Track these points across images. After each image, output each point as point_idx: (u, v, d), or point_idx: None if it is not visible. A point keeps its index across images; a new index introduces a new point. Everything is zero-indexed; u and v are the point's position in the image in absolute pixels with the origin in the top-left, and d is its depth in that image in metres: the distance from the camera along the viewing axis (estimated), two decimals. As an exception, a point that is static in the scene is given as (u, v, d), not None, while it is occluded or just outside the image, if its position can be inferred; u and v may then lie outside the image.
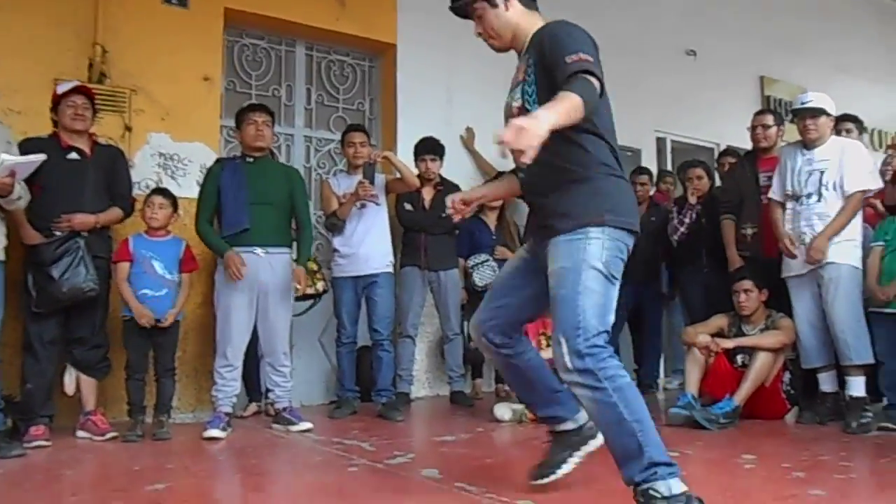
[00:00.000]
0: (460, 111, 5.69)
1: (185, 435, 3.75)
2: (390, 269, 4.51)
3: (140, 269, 3.79)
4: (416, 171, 4.79)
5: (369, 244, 4.40)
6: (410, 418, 4.30)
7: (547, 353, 4.12)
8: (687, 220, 4.93)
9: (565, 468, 2.40)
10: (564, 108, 1.85)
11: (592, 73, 1.98)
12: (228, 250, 3.80)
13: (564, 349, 2.00)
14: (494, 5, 2.27)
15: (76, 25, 4.30)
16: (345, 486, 2.61)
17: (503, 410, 4.05)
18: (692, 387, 3.99)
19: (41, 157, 3.37)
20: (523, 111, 2.18)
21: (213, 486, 2.85)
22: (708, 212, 4.86)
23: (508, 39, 2.31)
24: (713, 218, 4.73)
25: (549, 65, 2.10)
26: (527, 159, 1.75)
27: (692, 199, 4.94)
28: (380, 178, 4.47)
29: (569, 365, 2.00)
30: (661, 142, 7.02)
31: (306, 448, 3.48)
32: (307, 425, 3.85)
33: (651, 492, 1.96)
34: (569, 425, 2.44)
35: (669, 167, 6.79)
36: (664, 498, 1.96)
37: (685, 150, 6.94)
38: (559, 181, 2.19)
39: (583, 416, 2.41)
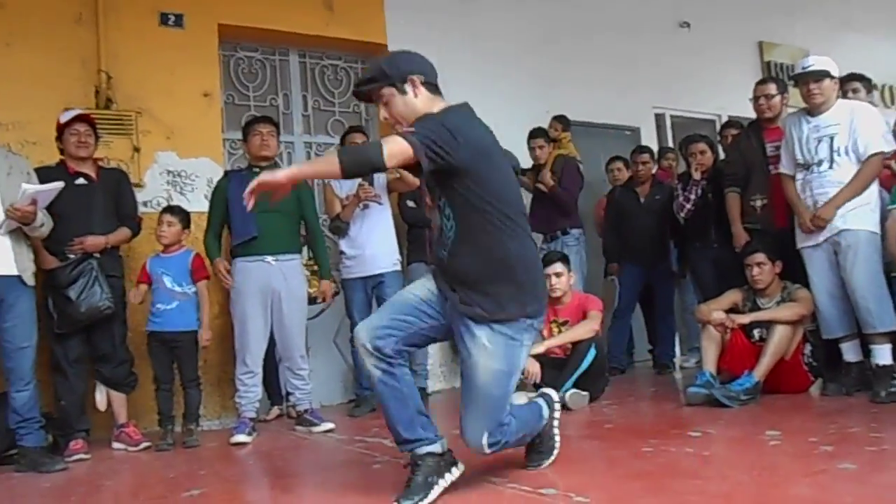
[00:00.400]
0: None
1: (213, 441, 3.88)
2: (398, 268, 4.55)
3: (155, 285, 3.94)
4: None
5: (375, 244, 4.44)
6: (428, 412, 4.33)
7: (554, 341, 4.19)
8: (692, 197, 4.91)
9: (432, 496, 2.27)
10: (313, 166, 2.28)
11: (408, 141, 2.15)
12: (215, 258, 3.99)
13: (485, 440, 2.24)
14: (403, 92, 2.31)
15: (82, 55, 4.45)
16: (370, 483, 2.67)
17: (519, 398, 4.04)
18: (710, 365, 3.92)
19: (60, 185, 3.46)
20: (437, 208, 2.38)
21: (244, 489, 2.92)
22: (713, 186, 4.81)
23: (404, 121, 2.33)
24: (719, 192, 4.66)
25: (447, 171, 2.25)
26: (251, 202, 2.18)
27: (696, 175, 4.91)
28: (381, 178, 4.50)
29: (486, 450, 2.26)
30: (660, 118, 7.00)
31: (330, 448, 3.54)
32: (329, 426, 3.93)
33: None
34: (435, 448, 2.36)
35: (671, 143, 6.78)
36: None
37: (686, 125, 6.89)
38: (482, 262, 2.29)
39: (445, 443, 2.39)
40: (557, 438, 2.67)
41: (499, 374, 2.26)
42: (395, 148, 2.13)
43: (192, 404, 3.96)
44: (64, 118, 3.76)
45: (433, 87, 2.37)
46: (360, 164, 2.18)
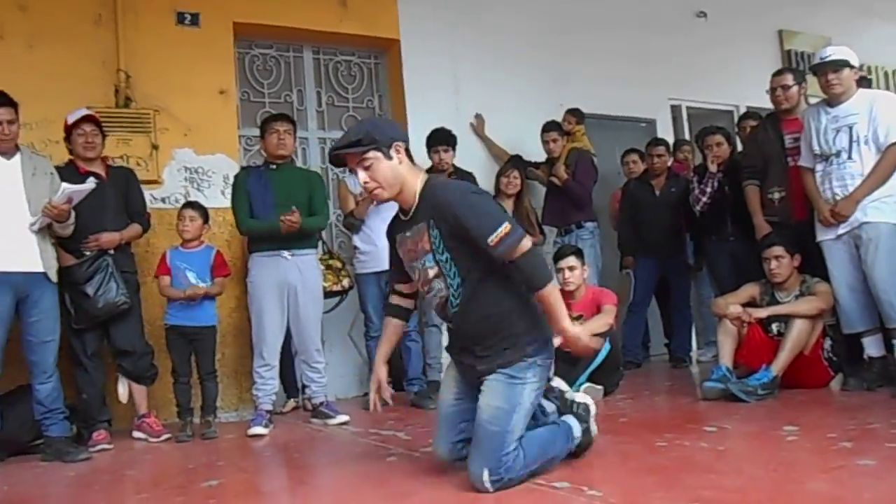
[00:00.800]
0: (468, 99, 5.73)
1: (231, 433, 3.93)
2: None
3: (177, 280, 3.97)
4: (429, 164, 4.85)
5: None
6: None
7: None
8: (709, 189, 4.87)
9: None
10: (563, 307, 2.31)
11: (521, 239, 2.24)
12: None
13: (485, 476, 2.22)
14: (389, 157, 2.30)
15: (101, 55, 4.52)
16: (385, 474, 2.68)
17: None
18: (726, 359, 3.88)
19: (92, 185, 3.52)
20: (442, 277, 2.35)
21: (261, 480, 2.95)
22: (730, 179, 4.77)
23: (397, 192, 2.35)
24: (736, 185, 4.63)
25: (465, 238, 2.27)
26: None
27: (712, 168, 4.86)
28: None
29: (489, 488, 2.22)
30: (675, 110, 6.94)
31: (345, 440, 3.57)
32: (344, 418, 3.96)
33: None
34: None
35: (687, 136, 6.74)
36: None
37: (702, 117, 6.84)
38: (490, 319, 2.38)
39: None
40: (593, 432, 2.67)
41: (497, 412, 2.29)
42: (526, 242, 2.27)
43: (209, 397, 4.03)
44: (71, 119, 3.80)
45: (410, 156, 2.41)
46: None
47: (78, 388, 3.76)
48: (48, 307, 3.47)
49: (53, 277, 3.50)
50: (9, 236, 3.36)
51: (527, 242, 2.23)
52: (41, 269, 3.44)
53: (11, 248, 3.35)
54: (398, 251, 2.50)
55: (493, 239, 2.20)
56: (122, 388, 3.90)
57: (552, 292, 2.26)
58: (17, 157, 3.48)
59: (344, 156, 2.34)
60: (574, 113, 5.69)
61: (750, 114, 5.47)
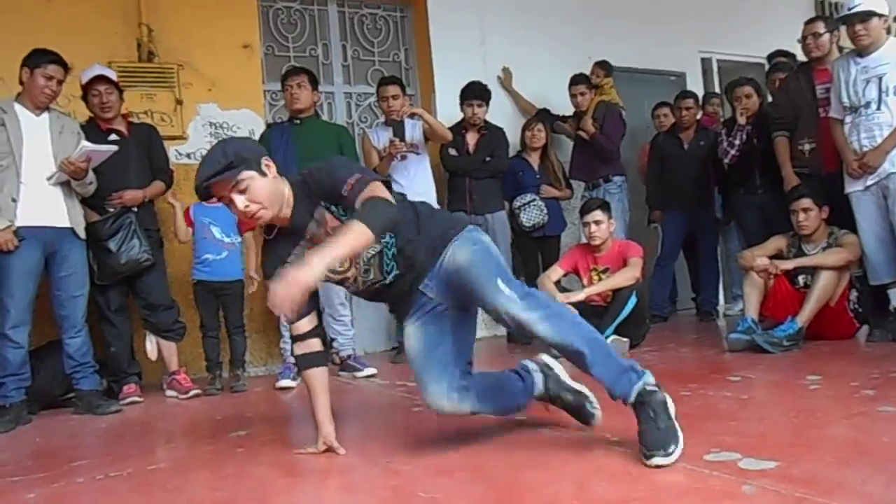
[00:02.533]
0: (495, 52, 5.67)
1: (259, 386, 4.01)
2: None
3: (201, 234, 4.00)
4: (458, 117, 4.82)
5: (414, 194, 4.41)
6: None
7: (594, 289, 4.19)
8: (737, 142, 4.81)
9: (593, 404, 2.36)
10: (346, 243, 1.95)
11: (369, 182, 2.06)
12: None
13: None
14: (262, 174, 2.10)
15: (123, 8, 4.50)
16: (411, 424, 2.73)
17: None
18: (752, 311, 3.89)
19: (113, 148, 3.57)
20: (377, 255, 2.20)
21: (288, 430, 3.02)
22: (759, 131, 4.72)
23: (278, 209, 2.14)
24: (765, 137, 4.59)
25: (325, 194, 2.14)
26: (287, 313, 1.99)
27: (741, 120, 4.80)
28: (417, 128, 4.49)
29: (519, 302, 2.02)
30: (706, 62, 6.81)
31: (372, 392, 3.63)
32: (371, 371, 4.02)
33: (647, 388, 1.97)
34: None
35: (717, 89, 6.61)
36: (656, 385, 2.01)
37: (733, 69, 6.68)
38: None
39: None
40: (583, 390, 2.39)
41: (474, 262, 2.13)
42: (382, 188, 2.08)
43: (237, 350, 4.09)
44: (84, 77, 3.80)
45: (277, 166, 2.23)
46: (387, 218, 2.04)
47: (106, 342, 3.85)
48: (77, 262, 3.53)
49: (81, 234, 3.55)
50: (37, 192, 3.40)
51: (376, 187, 2.05)
52: (69, 225, 3.50)
53: (40, 203, 3.40)
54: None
55: (345, 189, 2.06)
56: (150, 345, 3.97)
57: (356, 233, 1.95)
58: (46, 114, 3.51)
59: (212, 185, 2.08)
60: (602, 65, 5.61)
61: (780, 66, 5.33)
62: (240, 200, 2.06)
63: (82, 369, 3.54)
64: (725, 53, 6.86)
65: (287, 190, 2.16)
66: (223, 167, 2.04)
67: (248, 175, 2.06)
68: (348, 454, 2.38)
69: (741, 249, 4.66)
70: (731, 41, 6.77)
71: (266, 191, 2.08)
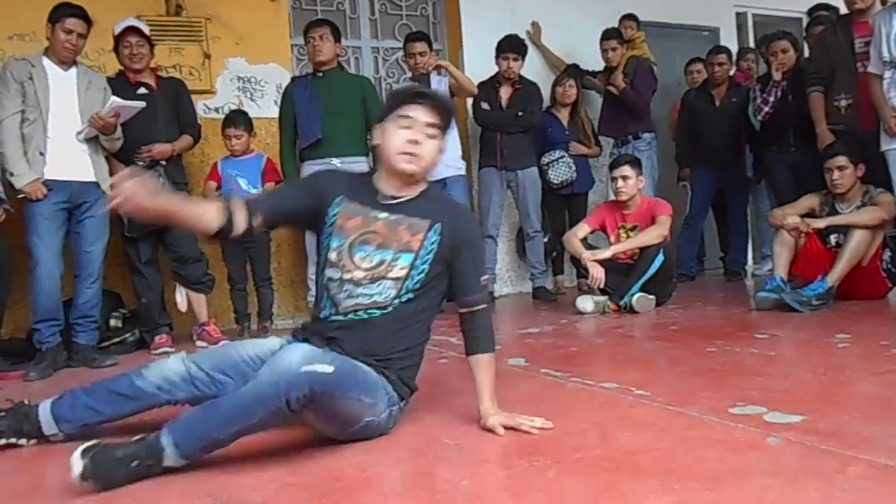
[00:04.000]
0: (524, 6, 5.58)
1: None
2: (461, 172, 4.55)
3: (228, 187, 4.06)
4: (493, 70, 4.76)
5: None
6: (495, 314, 4.39)
7: (622, 246, 4.16)
8: (771, 99, 4.71)
9: None
10: (493, 387, 1.97)
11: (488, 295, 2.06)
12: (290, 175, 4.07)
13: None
14: (444, 140, 1.99)
15: (151, -38, 4.46)
16: (437, 374, 2.76)
17: (586, 303, 4.11)
18: (781, 269, 3.83)
19: (141, 104, 3.58)
20: (400, 282, 1.90)
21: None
22: (794, 87, 4.60)
23: (422, 170, 1.95)
24: (800, 94, 4.46)
25: (453, 259, 1.97)
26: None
27: (776, 76, 4.68)
28: (443, 83, 4.46)
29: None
30: (741, 17, 6.64)
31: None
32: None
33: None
34: None
35: (752, 45, 6.44)
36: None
37: (770, 24, 6.47)
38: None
39: None
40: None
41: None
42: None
43: (265, 303, 4.17)
44: (117, 29, 3.81)
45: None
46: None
47: (137, 294, 3.92)
48: (99, 214, 3.55)
49: (106, 188, 3.58)
50: (63, 146, 3.43)
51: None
52: (93, 179, 3.53)
53: (66, 157, 3.43)
54: (338, 215, 1.96)
55: (483, 279, 2.01)
56: (180, 297, 4.04)
57: (492, 365, 1.97)
58: (74, 69, 3.52)
59: (428, 105, 1.92)
60: (632, 18, 5.50)
61: (819, 19, 5.16)
62: (418, 136, 1.91)
63: (84, 322, 3.57)
64: (761, 7, 6.67)
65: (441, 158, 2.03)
66: (445, 105, 1.98)
67: (438, 133, 1.96)
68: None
69: (772, 208, 4.60)
70: (767, -6, 6.57)
71: (433, 153, 1.95)
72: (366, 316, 1.90)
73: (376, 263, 1.91)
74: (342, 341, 1.89)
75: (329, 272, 1.95)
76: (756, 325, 3.40)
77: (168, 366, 2.00)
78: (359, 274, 1.90)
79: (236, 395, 1.70)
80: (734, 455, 1.59)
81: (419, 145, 1.90)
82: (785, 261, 3.87)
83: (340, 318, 1.92)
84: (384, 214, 1.95)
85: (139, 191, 1.73)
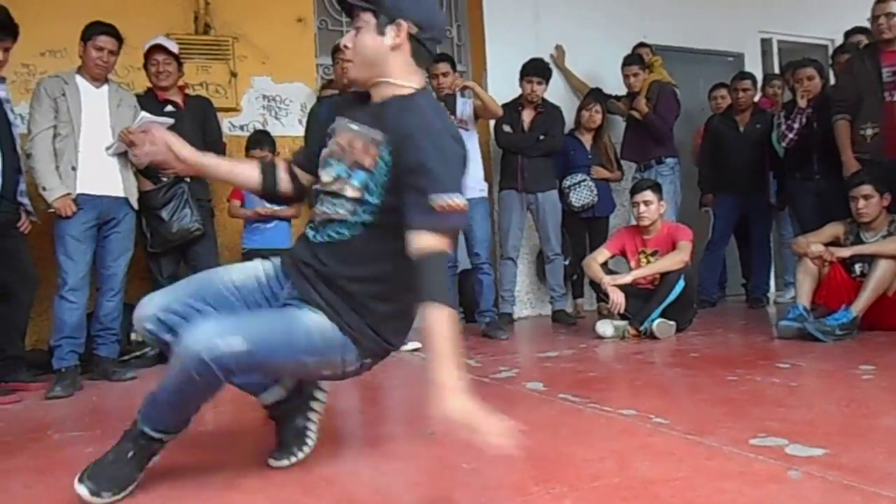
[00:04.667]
0: (548, 30, 5.61)
1: None
2: (484, 195, 4.54)
3: (250, 203, 4.11)
4: (517, 92, 4.79)
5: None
6: (514, 337, 4.41)
7: (643, 271, 4.14)
8: (796, 125, 4.68)
9: (311, 435, 1.98)
10: (454, 345, 1.47)
11: (456, 230, 1.65)
12: None
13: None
14: (380, 32, 1.71)
15: (180, -20, 4.54)
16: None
17: (605, 327, 4.09)
18: (804, 298, 3.80)
19: (170, 121, 3.62)
20: (354, 203, 1.71)
21: (333, 398, 3.01)
22: (820, 115, 4.57)
23: (364, 76, 1.77)
24: (825, 121, 4.43)
25: (405, 179, 1.61)
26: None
27: (802, 103, 4.65)
28: (467, 105, 4.47)
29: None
30: (766, 43, 6.61)
31: (416, 365, 3.65)
32: (416, 344, 4.03)
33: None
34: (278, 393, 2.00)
35: (777, 72, 6.42)
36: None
37: (795, 51, 6.48)
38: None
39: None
40: (312, 434, 1.99)
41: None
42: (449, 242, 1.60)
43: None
44: (145, 47, 3.88)
45: (423, 55, 1.77)
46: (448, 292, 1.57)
47: None
48: (125, 230, 3.62)
49: (134, 204, 3.65)
50: (94, 162, 3.49)
51: (449, 242, 1.59)
52: (123, 195, 3.59)
53: (97, 172, 3.49)
54: (325, 136, 1.86)
55: (439, 202, 1.56)
56: None
57: (443, 321, 1.49)
58: (106, 87, 3.60)
59: (349, 4, 1.74)
60: (645, 45, 5.53)
61: (846, 47, 5.13)
62: (345, 38, 1.79)
63: (105, 335, 3.60)
64: (787, 34, 6.64)
65: (404, 84, 1.74)
66: None
67: (365, 19, 1.71)
68: (392, 424, 2.42)
69: (795, 236, 4.56)
70: (793, 21, 6.54)
71: (365, 50, 1.73)
72: (335, 235, 1.74)
73: (333, 178, 1.77)
74: (313, 266, 1.76)
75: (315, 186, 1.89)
76: (778, 353, 3.36)
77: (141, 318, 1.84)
78: (326, 186, 1.79)
79: (168, 377, 1.68)
80: (754, 488, 1.56)
81: (347, 50, 1.78)
82: (808, 289, 3.84)
83: (313, 233, 1.80)
84: (353, 126, 1.78)
85: (172, 139, 1.72)
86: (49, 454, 2.21)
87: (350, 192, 1.72)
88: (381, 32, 1.71)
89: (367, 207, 1.70)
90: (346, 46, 1.78)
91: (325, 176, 1.80)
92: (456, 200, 1.58)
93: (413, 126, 1.64)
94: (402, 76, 1.75)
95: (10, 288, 3.37)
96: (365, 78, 1.78)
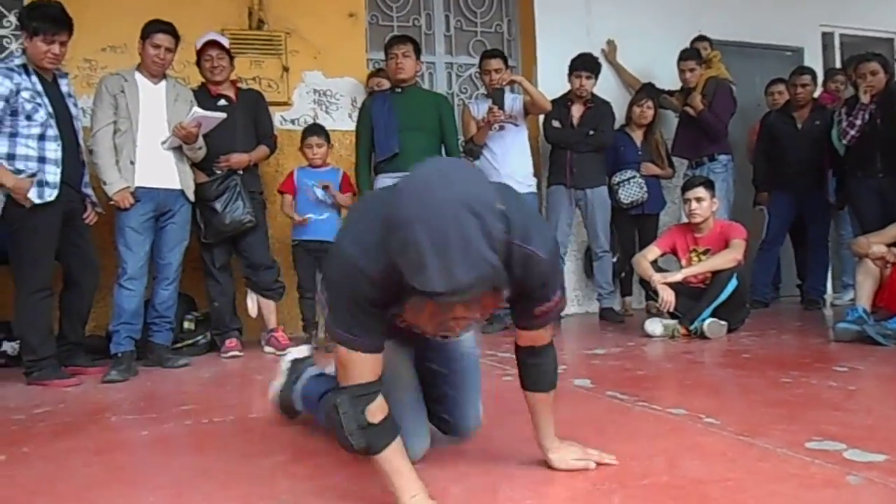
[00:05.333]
0: (600, 24, 5.55)
1: None
2: (532, 190, 4.51)
3: (305, 196, 4.16)
4: (565, 88, 4.74)
5: (510, 165, 4.41)
6: (561, 334, 4.37)
7: (693, 270, 4.07)
8: (858, 122, 4.54)
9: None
10: (552, 423, 1.75)
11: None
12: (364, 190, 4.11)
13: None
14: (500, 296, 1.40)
15: (234, -24, 4.60)
16: (501, 392, 2.73)
17: (654, 325, 4.03)
18: (864, 300, 3.68)
19: (222, 115, 3.72)
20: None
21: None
22: (884, 111, 4.44)
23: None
24: (890, 117, 4.32)
25: (521, 291, 1.52)
26: None
27: (864, 98, 4.51)
28: (517, 100, 4.45)
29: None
30: (827, 37, 6.44)
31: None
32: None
33: None
34: None
35: (838, 66, 6.23)
36: None
37: (857, 45, 6.27)
38: None
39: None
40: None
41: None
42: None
43: (333, 312, 4.20)
44: (199, 43, 3.95)
45: None
46: None
47: (210, 297, 4.05)
48: (181, 221, 3.72)
49: (190, 196, 3.75)
50: (152, 156, 3.60)
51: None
52: (179, 187, 3.69)
53: (154, 166, 3.60)
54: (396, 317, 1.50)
55: (544, 306, 1.58)
56: (251, 303, 4.14)
57: (551, 400, 1.72)
58: (164, 83, 3.69)
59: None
60: (704, 39, 5.41)
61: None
62: (461, 310, 1.31)
63: (160, 322, 3.71)
64: (849, 27, 6.46)
65: None
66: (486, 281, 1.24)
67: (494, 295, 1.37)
68: (438, 417, 2.42)
69: (855, 236, 4.42)
70: (856, 14, 6.37)
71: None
72: None
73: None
74: None
75: None
76: (835, 356, 3.26)
77: None
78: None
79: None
80: (810, 492, 1.52)
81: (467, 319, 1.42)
82: (868, 291, 3.72)
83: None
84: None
85: None
86: (107, 435, 2.29)
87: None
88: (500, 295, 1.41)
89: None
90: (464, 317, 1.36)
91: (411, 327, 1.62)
92: (557, 299, 1.61)
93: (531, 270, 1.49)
94: None
95: (74, 276, 3.51)
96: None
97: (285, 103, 4.71)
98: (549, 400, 1.73)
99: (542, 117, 4.84)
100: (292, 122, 4.71)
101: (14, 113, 3.15)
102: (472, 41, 5.49)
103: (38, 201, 3.18)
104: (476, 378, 1.99)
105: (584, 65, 4.72)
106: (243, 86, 4.29)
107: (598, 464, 1.72)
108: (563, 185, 4.77)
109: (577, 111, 4.78)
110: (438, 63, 5.42)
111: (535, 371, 1.69)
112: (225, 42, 3.99)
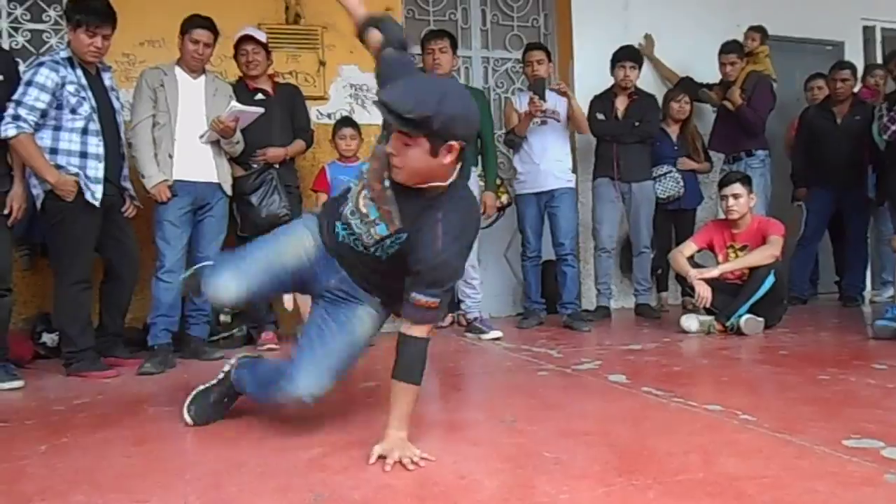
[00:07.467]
0: (638, 18, 5.50)
1: (388, 342, 4.00)
2: (571, 185, 4.49)
3: (337, 192, 4.12)
4: (608, 81, 4.76)
5: (549, 160, 4.41)
6: (596, 329, 4.37)
7: (730, 266, 4.04)
8: (899, 117, 4.47)
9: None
10: (408, 411, 1.92)
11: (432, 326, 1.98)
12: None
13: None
14: (434, 153, 1.80)
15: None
16: (536, 387, 2.76)
17: (690, 321, 4.01)
18: (904, 297, 3.68)
19: (260, 110, 3.76)
20: (378, 260, 2.06)
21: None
22: (926, 107, 4.37)
23: (412, 182, 1.90)
24: (932, 113, 4.24)
25: (412, 258, 1.91)
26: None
27: (906, 93, 4.45)
28: (562, 102, 4.41)
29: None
30: (868, 31, 6.30)
31: (497, 354, 3.67)
32: (497, 333, 4.07)
33: None
34: None
35: (880, 61, 6.11)
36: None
37: (900, 39, 6.19)
38: None
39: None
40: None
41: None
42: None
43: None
44: (235, 38, 3.99)
45: (464, 153, 1.90)
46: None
47: None
48: (219, 214, 3.77)
49: (228, 190, 3.79)
50: (190, 150, 3.65)
51: (429, 332, 1.95)
52: (217, 181, 3.73)
53: (192, 159, 3.65)
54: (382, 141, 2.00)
55: (425, 296, 1.88)
56: (287, 296, 4.18)
57: (410, 395, 1.92)
58: (203, 77, 3.74)
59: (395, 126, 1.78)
60: (759, 30, 5.31)
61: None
62: (393, 145, 1.82)
63: (197, 315, 3.76)
64: (892, 21, 6.31)
65: (443, 175, 1.89)
66: (406, 118, 1.72)
67: (419, 142, 1.78)
68: (473, 410, 2.45)
69: (894, 232, 4.34)
70: (899, 7, 6.21)
71: (418, 165, 1.83)
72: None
73: (367, 213, 2.03)
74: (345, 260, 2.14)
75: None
76: (873, 354, 3.22)
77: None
78: (362, 211, 2.05)
79: (264, 386, 2.18)
80: (847, 490, 1.52)
81: (394, 157, 1.84)
82: (909, 289, 3.66)
83: (344, 232, 2.11)
84: (389, 188, 1.97)
85: None
86: (145, 426, 2.33)
87: (374, 235, 2.02)
88: (435, 154, 1.81)
89: (383, 249, 2.03)
90: (392, 154, 1.84)
91: (363, 206, 2.04)
92: (435, 300, 1.89)
93: (427, 226, 1.88)
94: (446, 178, 1.91)
95: (115, 268, 3.56)
96: (412, 183, 1.91)
97: (322, 97, 4.74)
98: (401, 392, 1.91)
99: (586, 111, 4.79)
100: (328, 116, 4.74)
101: (59, 106, 3.19)
102: (508, 36, 5.49)
103: (92, 202, 3.23)
104: (335, 351, 2.13)
105: (627, 55, 4.68)
106: (280, 80, 4.34)
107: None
108: (609, 177, 4.74)
109: (621, 103, 4.74)
110: (475, 58, 5.42)
111: (399, 358, 1.93)
112: (261, 37, 4.03)
